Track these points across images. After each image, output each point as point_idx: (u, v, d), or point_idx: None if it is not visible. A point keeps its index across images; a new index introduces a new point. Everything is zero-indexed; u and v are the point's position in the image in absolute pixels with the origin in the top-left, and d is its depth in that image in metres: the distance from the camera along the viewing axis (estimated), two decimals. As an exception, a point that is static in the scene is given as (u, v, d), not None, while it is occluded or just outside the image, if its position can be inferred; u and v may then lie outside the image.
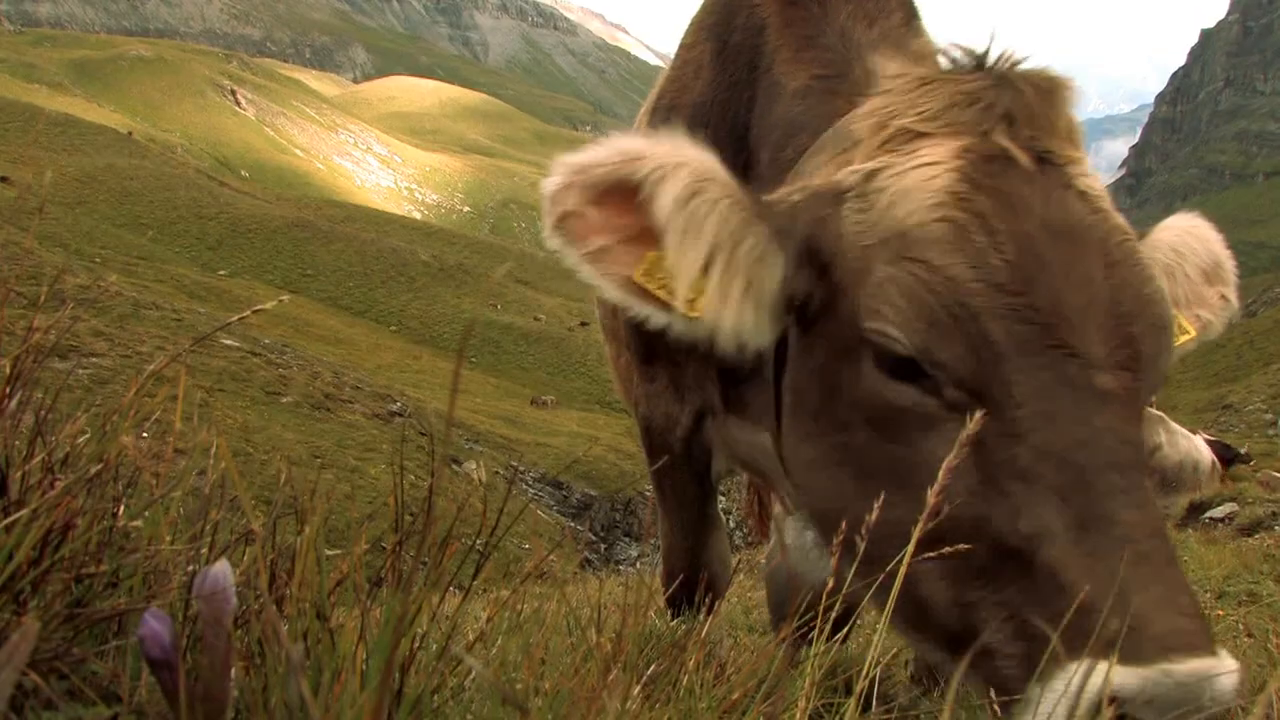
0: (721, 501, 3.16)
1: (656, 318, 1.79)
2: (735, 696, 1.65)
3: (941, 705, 1.71)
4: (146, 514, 1.42)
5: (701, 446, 2.93)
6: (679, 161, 1.72)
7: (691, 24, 2.92)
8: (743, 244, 1.72)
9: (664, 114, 2.82)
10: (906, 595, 1.58)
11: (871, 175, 1.73)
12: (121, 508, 1.40)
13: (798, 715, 1.46)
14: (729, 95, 2.60)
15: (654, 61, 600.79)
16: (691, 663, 1.70)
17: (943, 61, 1.81)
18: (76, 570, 1.25)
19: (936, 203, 1.62)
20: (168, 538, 1.39)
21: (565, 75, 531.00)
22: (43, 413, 1.40)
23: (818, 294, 1.77)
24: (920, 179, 1.66)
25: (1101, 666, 1.33)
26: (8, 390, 1.39)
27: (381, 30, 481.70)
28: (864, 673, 1.52)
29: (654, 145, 1.74)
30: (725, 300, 1.71)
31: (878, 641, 1.62)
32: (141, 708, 1.11)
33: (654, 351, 2.87)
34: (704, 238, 1.71)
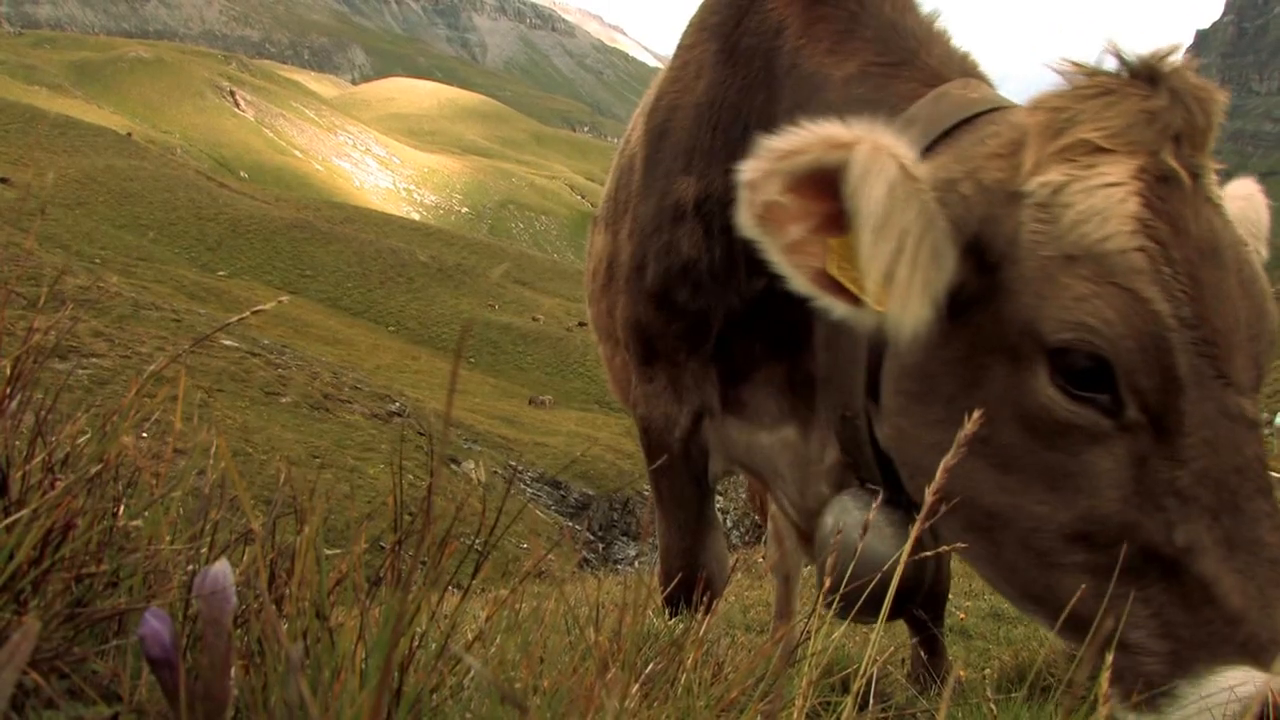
0: (718, 501, 3.17)
1: (839, 310, 1.80)
2: (733, 695, 1.65)
3: (938, 703, 1.72)
4: (146, 514, 1.42)
5: (699, 447, 2.93)
6: (887, 152, 1.71)
7: (691, 25, 2.91)
8: (929, 238, 1.73)
9: (665, 114, 2.81)
10: (1043, 581, 1.76)
11: (1057, 188, 1.73)
12: (121, 508, 1.40)
13: (795, 714, 1.47)
14: (740, 97, 2.59)
15: (652, 63, 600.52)
16: (689, 661, 1.70)
17: (1110, 61, 1.79)
18: (77, 570, 1.25)
19: (1132, 230, 1.66)
20: (168, 537, 1.40)
21: (563, 76, 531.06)
22: (43, 413, 1.40)
23: (970, 287, 1.78)
24: (1109, 200, 1.68)
25: (1254, 673, 1.49)
26: (8, 391, 1.39)
27: (380, 32, 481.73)
28: (861, 671, 1.53)
29: (857, 132, 1.73)
30: (910, 294, 1.72)
31: (875, 640, 1.63)
32: (142, 706, 1.12)
33: (653, 353, 2.87)
34: (902, 233, 1.71)
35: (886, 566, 2.12)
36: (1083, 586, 1.71)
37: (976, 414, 1.68)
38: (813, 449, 2.73)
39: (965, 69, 2.35)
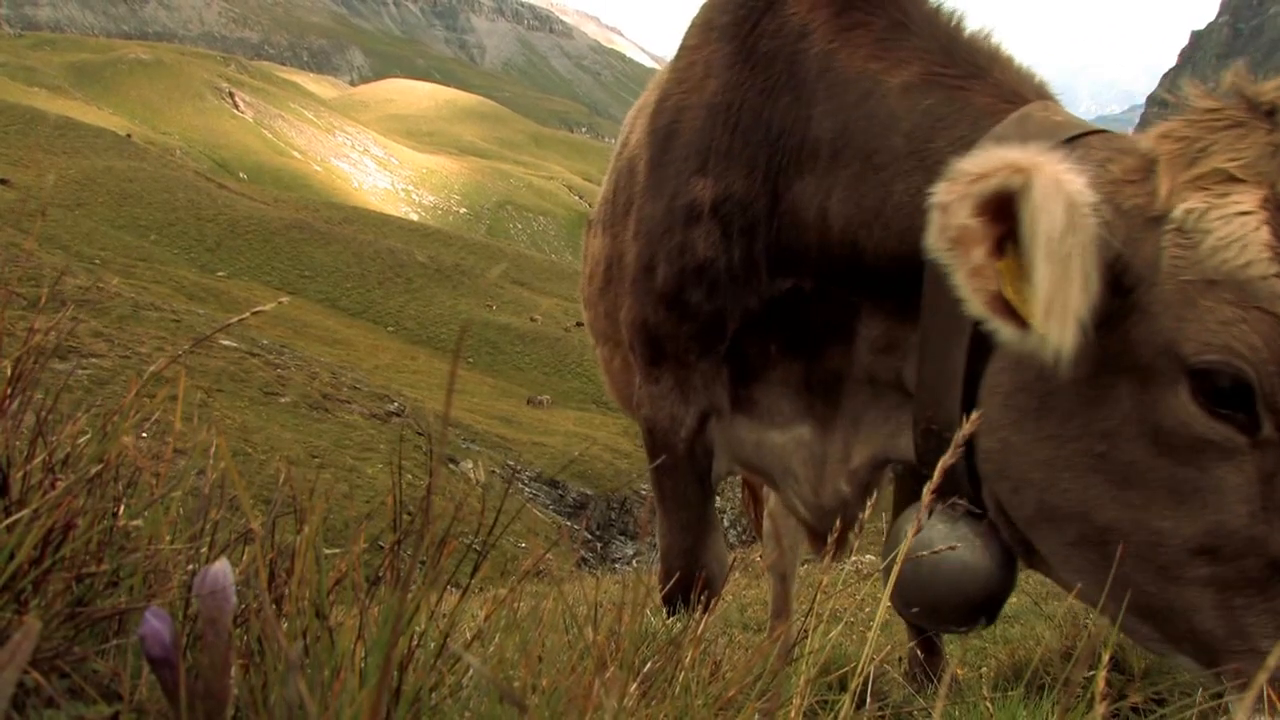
0: (716, 501, 3.17)
1: (1006, 333, 1.83)
2: (731, 693, 1.66)
3: (934, 701, 1.73)
4: (146, 514, 1.42)
5: (704, 448, 2.94)
6: (1065, 178, 1.74)
7: (696, 25, 2.91)
8: (1089, 261, 1.75)
9: (671, 114, 2.81)
10: (1160, 595, 1.83)
11: (1200, 215, 1.78)
12: (122, 507, 1.41)
13: (792, 712, 1.47)
14: (763, 99, 2.59)
15: (649, 64, 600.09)
16: (687, 660, 1.70)
17: (1231, 94, 1.85)
18: (77, 570, 1.26)
19: (1270, 257, 1.72)
20: (168, 537, 1.40)
21: (561, 77, 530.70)
22: (43, 413, 1.40)
23: (1102, 308, 1.81)
24: (1245, 228, 1.74)
25: None
26: (9, 391, 1.40)
27: (378, 33, 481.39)
28: (858, 670, 1.53)
29: (1036, 157, 1.76)
30: (1068, 316, 1.74)
31: (873, 639, 1.64)
32: (142, 706, 1.12)
33: (662, 354, 2.87)
34: (1069, 256, 1.73)
35: (974, 576, 2.20)
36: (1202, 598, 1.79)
37: (975, 415, 1.75)
38: (833, 448, 2.73)
39: (1038, 90, 2.37)
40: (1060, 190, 1.72)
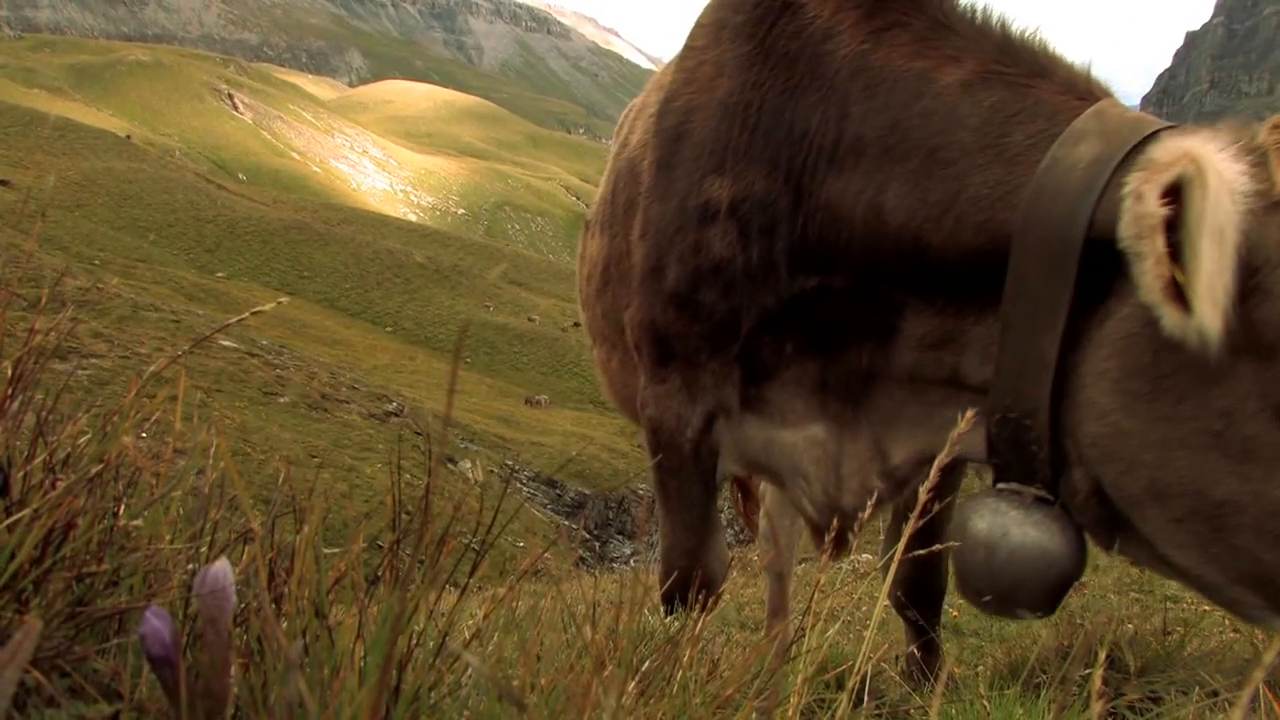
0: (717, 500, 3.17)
1: (1170, 319, 1.86)
2: (729, 692, 1.66)
3: (931, 700, 1.74)
4: (146, 513, 1.43)
5: (710, 448, 2.92)
6: (1226, 167, 1.80)
7: (704, 25, 2.89)
8: (1238, 246, 1.80)
9: (680, 115, 2.80)
10: (1277, 562, 1.90)
11: None
12: (122, 507, 1.41)
13: (790, 710, 1.48)
14: (784, 99, 2.58)
15: (646, 65, 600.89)
16: (685, 659, 1.71)
17: None
18: (78, 569, 1.26)
19: None
20: (168, 537, 1.40)
21: (558, 79, 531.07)
22: (44, 414, 1.41)
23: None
24: None
25: None
26: (10, 392, 1.40)
27: (377, 35, 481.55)
28: (856, 669, 1.54)
29: (1203, 146, 1.82)
30: (1220, 300, 1.79)
31: (870, 637, 1.64)
32: (142, 705, 1.13)
33: (670, 354, 2.86)
34: (1230, 242, 1.79)
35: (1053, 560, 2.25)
36: None
37: (970, 414, 1.76)
38: (855, 447, 2.72)
39: (1100, 87, 2.39)
40: (1225, 179, 1.78)
